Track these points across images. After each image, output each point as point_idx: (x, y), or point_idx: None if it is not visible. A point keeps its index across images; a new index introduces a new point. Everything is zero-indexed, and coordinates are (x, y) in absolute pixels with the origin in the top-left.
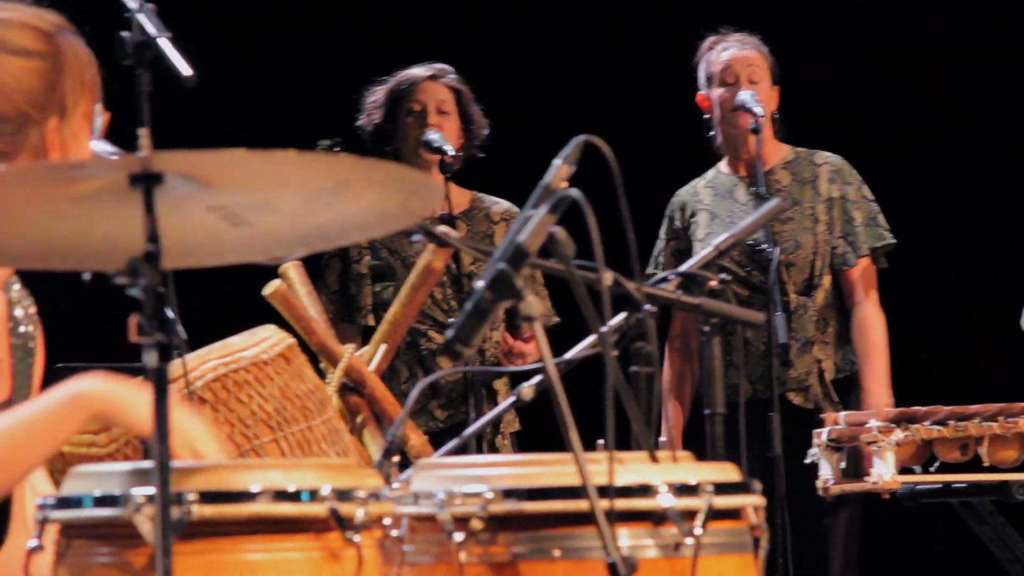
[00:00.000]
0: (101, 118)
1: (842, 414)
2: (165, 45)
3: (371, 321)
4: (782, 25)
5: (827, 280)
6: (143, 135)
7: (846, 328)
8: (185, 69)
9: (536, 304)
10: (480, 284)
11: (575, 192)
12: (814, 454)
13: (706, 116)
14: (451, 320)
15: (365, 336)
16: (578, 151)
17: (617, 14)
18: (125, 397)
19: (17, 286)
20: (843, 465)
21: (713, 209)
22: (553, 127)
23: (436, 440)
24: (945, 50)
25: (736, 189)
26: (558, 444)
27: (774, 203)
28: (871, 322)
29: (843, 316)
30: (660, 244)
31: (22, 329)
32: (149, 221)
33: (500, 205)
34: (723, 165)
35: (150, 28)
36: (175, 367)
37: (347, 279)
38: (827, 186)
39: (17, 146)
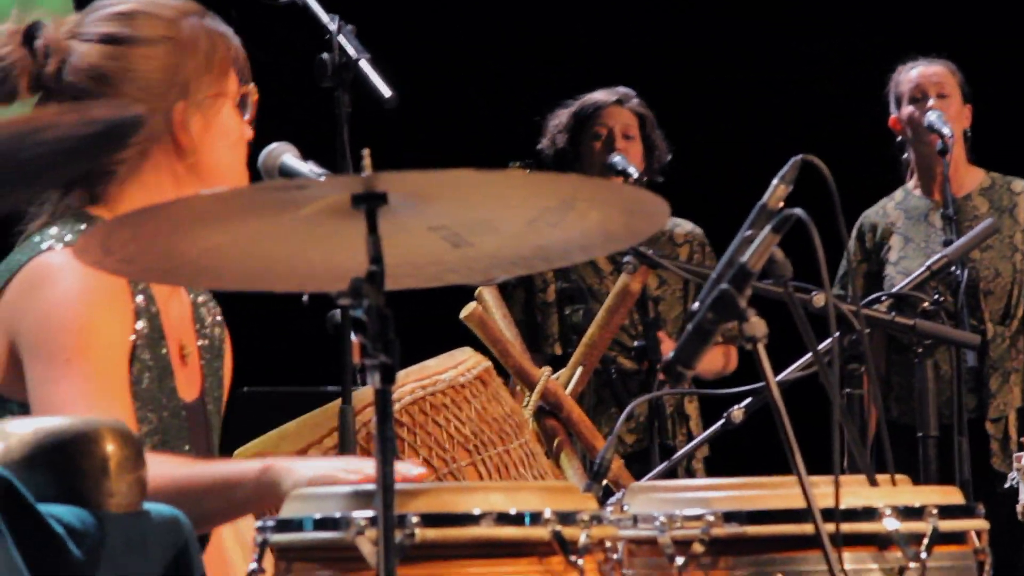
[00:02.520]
0: (250, 97)
1: None
2: (365, 66)
3: (558, 350)
4: (976, 50)
5: (1021, 310)
6: (366, 155)
7: None
8: (385, 90)
9: (760, 324)
10: (697, 305)
11: (800, 212)
12: (1014, 478)
13: (899, 139)
14: (636, 344)
15: (551, 365)
16: (795, 170)
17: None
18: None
19: (202, 291)
20: None
21: (907, 233)
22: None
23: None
24: None
25: (931, 213)
26: (747, 469)
27: (987, 223)
28: None
29: None
30: (848, 265)
31: (209, 331)
32: (373, 242)
33: (683, 226)
34: (912, 186)
35: (350, 50)
36: (369, 392)
37: (532, 308)
38: None
39: (142, 136)
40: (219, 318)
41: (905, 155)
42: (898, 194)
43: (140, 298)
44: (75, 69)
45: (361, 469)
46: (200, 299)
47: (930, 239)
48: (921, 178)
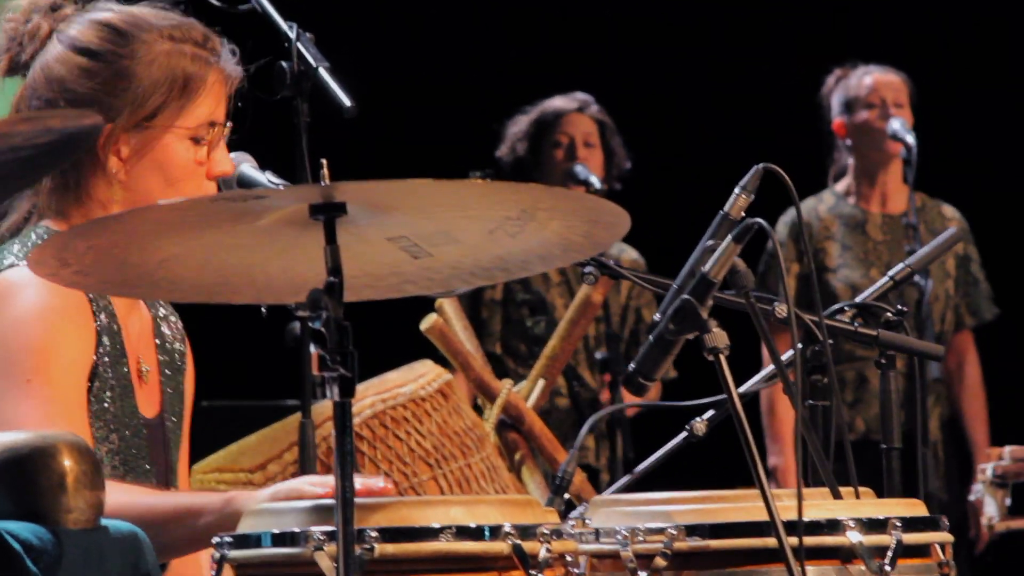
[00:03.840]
0: (210, 134)
1: (1007, 449)
2: (324, 75)
3: (498, 349)
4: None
5: (949, 336)
6: (324, 165)
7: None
8: (345, 99)
9: (721, 336)
10: (658, 316)
11: (762, 221)
12: (978, 491)
13: (847, 143)
14: (599, 356)
15: (491, 362)
16: (757, 179)
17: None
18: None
19: (163, 305)
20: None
21: (844, 241)
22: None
23: None
24: None
25: (868, 224)
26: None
27: (951, 232)
28: (980, 383)
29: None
30: (770, 262)
31: (170, 346)
32: (331, 252)
33: (628, 253)
34: (842, 191)
35: (309, 58)
36: (329, 405)
37: (479, 305)
38: None
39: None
40: (181, 332)
41: (850, 160)
42: (827, 197)
43: (103, 316)
44: (43, 64)
45: (327, 482)
46: (161, 313)
47: (868, 250)
48: (859, 186)
